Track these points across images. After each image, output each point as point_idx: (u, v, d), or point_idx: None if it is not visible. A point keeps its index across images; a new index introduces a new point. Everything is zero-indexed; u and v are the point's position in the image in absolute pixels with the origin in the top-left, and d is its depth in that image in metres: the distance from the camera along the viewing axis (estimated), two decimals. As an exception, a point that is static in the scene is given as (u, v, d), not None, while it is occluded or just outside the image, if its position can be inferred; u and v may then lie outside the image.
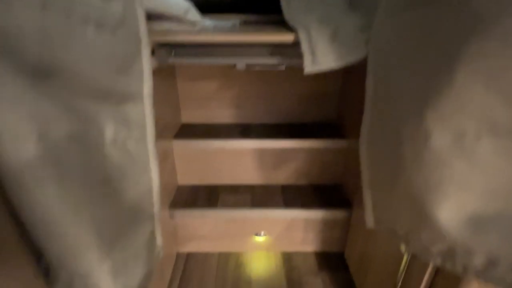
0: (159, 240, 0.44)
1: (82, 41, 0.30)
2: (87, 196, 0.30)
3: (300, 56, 0.48)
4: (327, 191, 0.91)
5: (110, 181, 0.35)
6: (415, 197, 0.35)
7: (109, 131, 0.36)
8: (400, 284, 0.51)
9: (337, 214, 0.84)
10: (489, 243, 0.31)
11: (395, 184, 0.39)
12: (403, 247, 0.48)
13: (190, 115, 0.98)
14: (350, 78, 0.84)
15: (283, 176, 0.94)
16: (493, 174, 0.30)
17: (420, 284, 0.47)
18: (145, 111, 0.41)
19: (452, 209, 0.32)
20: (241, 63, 0.63)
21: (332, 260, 0.87)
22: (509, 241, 0.29)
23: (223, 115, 0.98)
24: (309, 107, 0.96)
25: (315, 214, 0.84)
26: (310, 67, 0.46)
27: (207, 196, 0.89)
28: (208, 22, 0.64)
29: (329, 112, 0.97)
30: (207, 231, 0.88)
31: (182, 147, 0.88)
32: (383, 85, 0.40)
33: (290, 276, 0.82)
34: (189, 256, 0.89)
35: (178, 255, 0.89)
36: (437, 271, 0.45)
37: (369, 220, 0.48)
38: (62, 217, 0.27)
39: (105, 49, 0.33)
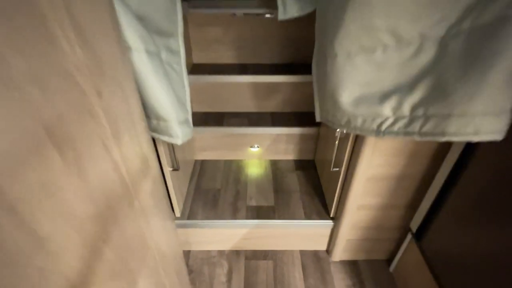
0: (190, 125, 0.75)
1: (152, 2, 0.56)
2: (164, 82, 0.59)
3: (277, 8, 0.73)
4: (305, 116, 1.21)
5: (168, 78, 0.64)
6: (332, 93, 0.64)
7: (163, 55, 0.64)
8: (334, 157, 0.84)
9: (310, 130, 1.15)
10: (362, 110, 0.60)
11: (325, 88, 0.68)
12: (337, 132, 0.79)
13: (200, 56, 1.23)
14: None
15: (273, 105, 1.23)
16: (365, 75, 0.58)
17: (343, 150, 0.79)
18: (179, 43, 0.68)
19: (348, 95, 0.61)
20: (239, 12, 0.88)
21: (305, 164, 1.21)
22: (368, 107, 0.59)
23: (226, 56, 1.23)
24: (295, 49, 1.21)
25: (294, 130, 1.15)
26: (282, 15, 0.72)
27: (215, 119, 1.20)
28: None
29: (310, 53, 1.22)
30: (216, 144, 1.20)
31: (195, 81, 1.15)
32: (321, 25, 0.66)
33: (275, 172, 1.17)
34: (203, 162, 1.24)
35: (196, 161, 1.24)
36: (354, 143, 0.77)
37: (317, 115, 0.79)
38: (152, 84, 0.56)
39: (163, 5, 0.59)
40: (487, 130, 0.46)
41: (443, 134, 0.49)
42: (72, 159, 0.31)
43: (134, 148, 0.49)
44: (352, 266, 1.01)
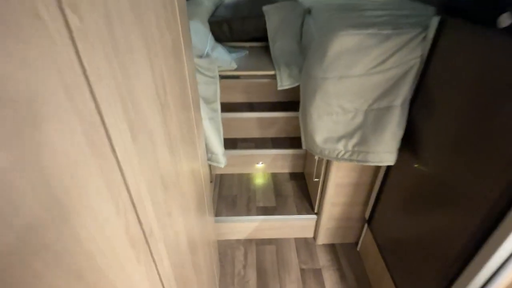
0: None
1: (208, 90, 1.00)
2: (214, 132, 1.02)
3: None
4: (296, 140, 1.65)
5: (214, 127, 1.07)
6: (311, 135, 1.08)
7: (210, 114, 1.08)
8: (315, 172, 1.28)
9: (300, 151, 1.59)
10: (328, 146, 1.04)
11: (307, 130, 1.12)
12: (315, 156, 1.23)
13: (218, 97, 1.67)
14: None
15: (272, 132, 1.67)
16: (328, 127, 1.02)
17: (320, 167, 1.23)
18: (218, 106, 1.12)
19: (319, 137, 1.05)
20: (255, 82, 1.33)
21: (297, 175, 1.65)
22: (331, 144, 1.03)
23: (238, 97, 1.67)
24: (289, 91, 1.66)
25: (289, 151, 1.59)
26: (279, 87, 1.17)
27: (231, 143, 1.63)
28: (234, 55, 1.32)
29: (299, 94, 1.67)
30: (231, 162, 1.63)
31: (216, 117, 1.58)
32: (303, 94, 1.10)
33: (275, 182, 1.60)
34: (222, 175, 1.66)
35: (217, 175, 1.66)
36: (327, 163, 1.21)
37: (303, 145, 1.23)
38: (210, 134, 0.99)
39: (212, 88, 1.04)
40: (386, 161, 0.91)
41: (366, 162, 0.94)
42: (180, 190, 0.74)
43: (205, 172, 0.92)
44: (331, 248, 1.44)
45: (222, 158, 1.07)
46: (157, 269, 0.44)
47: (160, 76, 0.45)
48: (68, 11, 0.21)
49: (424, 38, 0.84)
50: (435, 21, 0.80)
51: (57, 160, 0.21)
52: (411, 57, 0.85)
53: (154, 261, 0.43)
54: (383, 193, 1.12)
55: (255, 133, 1.67)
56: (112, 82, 0.29)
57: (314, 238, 1.47)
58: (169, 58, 0.51)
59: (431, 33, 0.82)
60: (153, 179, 0.42)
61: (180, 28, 0.60)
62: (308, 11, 1.27)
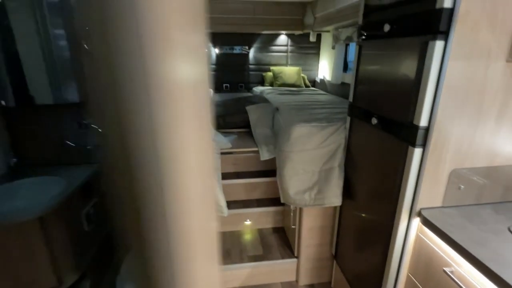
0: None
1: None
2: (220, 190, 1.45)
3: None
4: (276, 200, 2.08)
5: (219, 187, 1.50)
6: (286, 190, 1.55)
7: (215, 177, 1.54)
8: (292, 220, 1.70)
9: (279, 208, 2.01)
10: (298, 197, 1.50)
11: (283, 187, 1.60)
12: (291, 206, 1.67)
13: (213, 169, 2.14)
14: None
15: (257, 194, 2.11)
16: (297, 184, 1.51)
17: (296, 216, 1.66)
18: (219, 172, 1.58)
19: (292, 191, 1.52)
20: (240, 154, 1.86)
21: (278, 229, 2.03)
22: (300, 196, 1.49)
23: (228, 167, 2.16)
24: (269, 161, 2.18)
25: (271, 209, 2.00)
26: (261, 158, 1.69)
27: (223, 205, 2.02)
28: (228, 139, 1.86)
29: (275, 165, 2.20)
30: (224, 220, 1.99)
31: (212, 184, 2.02)
32: (278, 162, 1.61)
33: (261, 235, 1.95)
34: (216, 233, 1.99)
35: (211, 233, 1.98)
36: (300, 212, 1.65)
37: (281, 199, 1.67)
38: (217, 192, 1.41)
39: (217, 161, 1.52)
40: (335, 202, 1.39)
41: (323, 204, 1.41)
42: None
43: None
44: (311, 287, 1.73)
45: (225, 209, 1.47)
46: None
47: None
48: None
49: (345, 127, 1.44)
50: (348, 118, 1.42)
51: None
52: (339, 138, 1.43)
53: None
54: (340, 232, 1.55)
55: (243, 196, 2.10)
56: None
57: (297, 280, 1.76)
58: (205, 141, 1.00)
59: (347, 124, 1.43)
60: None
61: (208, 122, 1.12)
62: (277, 109, 1.91)
